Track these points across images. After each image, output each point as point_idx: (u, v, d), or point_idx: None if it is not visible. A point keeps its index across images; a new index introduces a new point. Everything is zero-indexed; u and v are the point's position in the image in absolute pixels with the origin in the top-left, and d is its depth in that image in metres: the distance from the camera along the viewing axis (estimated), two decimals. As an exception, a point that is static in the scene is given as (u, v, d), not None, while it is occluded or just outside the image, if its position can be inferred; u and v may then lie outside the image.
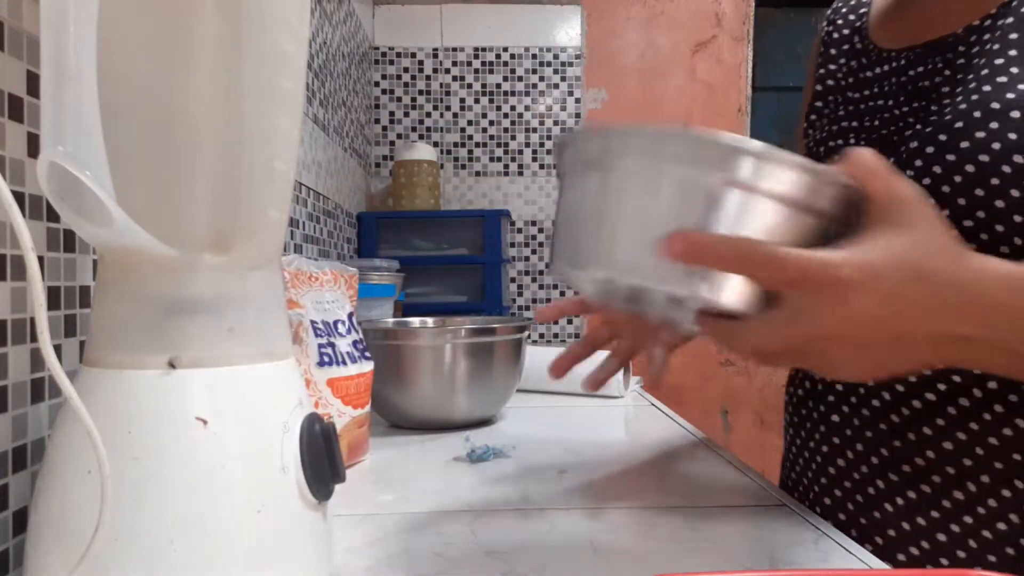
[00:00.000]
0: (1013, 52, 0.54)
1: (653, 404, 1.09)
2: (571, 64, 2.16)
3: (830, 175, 0.41)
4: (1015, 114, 0.52)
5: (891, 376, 0.44)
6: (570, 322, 2.15)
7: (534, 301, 2.15)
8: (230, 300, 0.39)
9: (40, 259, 0.49)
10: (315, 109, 1.37)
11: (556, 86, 2.15)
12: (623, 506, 0.61)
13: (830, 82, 0.72)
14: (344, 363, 0.72)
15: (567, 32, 2.16)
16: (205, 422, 0.36)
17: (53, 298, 0.51)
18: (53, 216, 0.50)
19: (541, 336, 2.16)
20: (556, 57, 2.16)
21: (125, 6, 0.36)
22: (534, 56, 2.15)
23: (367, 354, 0.77)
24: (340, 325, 0.74)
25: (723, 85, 2.20)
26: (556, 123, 2.15)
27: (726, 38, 2.20)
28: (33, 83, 0.49)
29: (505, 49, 2.15)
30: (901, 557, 0.58)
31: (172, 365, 0.37)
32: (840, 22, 0.74)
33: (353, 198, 1.80)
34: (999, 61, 0.55)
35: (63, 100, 0.33)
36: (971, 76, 0.56)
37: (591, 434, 0.89)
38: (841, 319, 0.39)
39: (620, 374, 1.12)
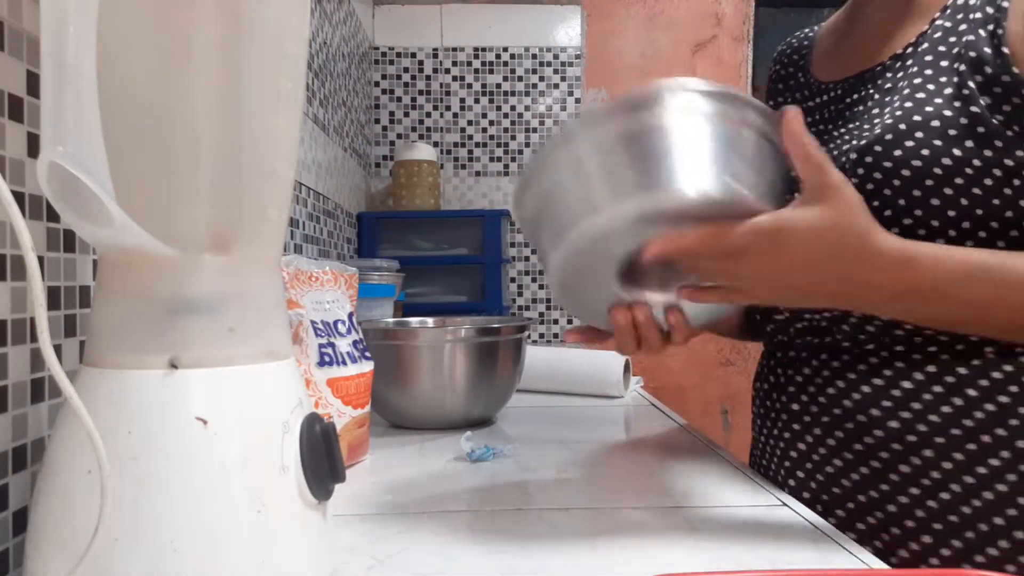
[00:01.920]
0: (929, 71, 0.62)
1: (653, 404, 1.09)
2: (571, 64, 2.16)
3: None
4: (935, 123, 0.59)
5: (794, 305, 0.61)
6: (570, 322, 2.14)
7: (534, 301, 2.15)
8: (230, 300, 0.39)
9: (40, 259, 0.49)
10: (315, 109, 1.37)
11: (556, 86, 2.15)
12: (623, 506, 0.61)
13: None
14: (344, 363, 0.72)
15: (567, 32, 2.16)
16: (205, 422, 0.36)
17: (53, 298, 0.51)
18: (53, 216, 0.50)
19: (541, 336, 2.17)
20: (556, 57, 2.16)
21: (125, 6, 0.36)
22: (534, 56, 2.15)
23: (367, 354, 0.77)
24: (340, 325, 0.74)
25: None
26: (556, 123, 2.15)
27: (726, 38, 2.20)
28: (33, 83, 0.49)
29: (505, 49, 2.15)
30: (860, 526, 0.64)
31: (174, 365, 0.37)
32: (786, 61, 0.85)
33: (353, 198, 1.80)
34: (917, 81, 0.62)
35: (63, 100, 0.33)
36: (895, 96, 0.64)
37: (591, 434, 0.89)
38: (765, 268, 0.52)
39: (620, 374, 1.12)
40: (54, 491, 0.36)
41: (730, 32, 2.20)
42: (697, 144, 0.50)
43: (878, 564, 0.49)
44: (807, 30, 0.86)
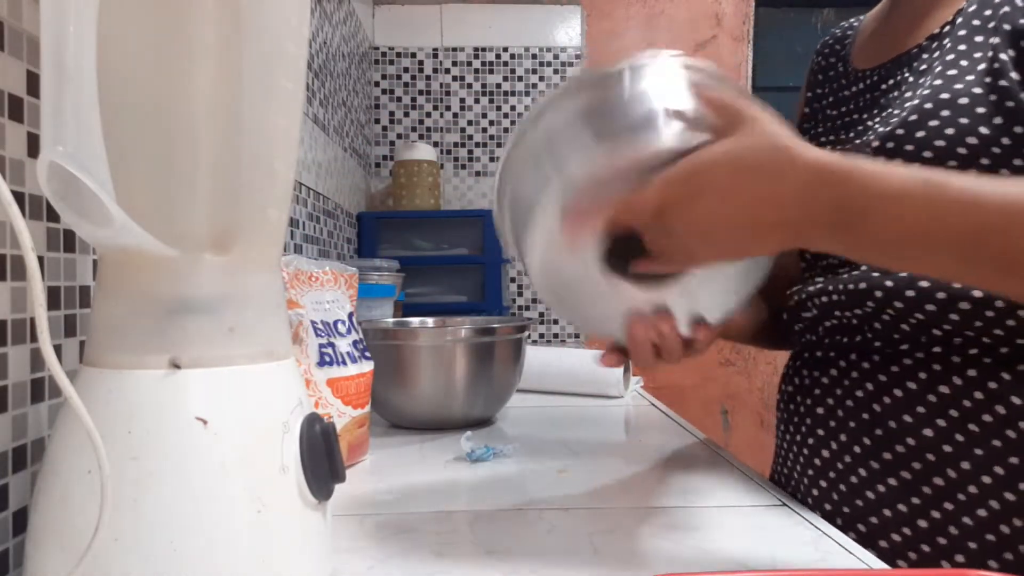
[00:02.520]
0: (963, 47, 0.59)
1: (653, 404, 1.09)
2: (571, 64, 2.16)
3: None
4: (963, 100, 0.56)
5: (742, 258, 0.52)
6: (570, 322, 2.14)
7: (534, 301, 2.15)
8: (230, 300, 0.39)
9: (40, 259, 0.49)
10: (315, 109, 1.37)
11: (556, 86, 2.15)
12: (623, 506, 0.61)
13: (815, 105, 0.78)
14: (344, 363, 0.72)
15: (567, 32, 2.16)
16: (205, 422, 0.36)
17: (53, 298, 0.51)
18: (53, 216, 0.50)
19: (541, 336, 2.16)
20: (556, 57, 2.16)
21: (125, 6, 0.36)
22: (534, 56, 2.15)
23: (367, 354, 0.77)
24: (340, 325, 0.74)
25: (723, 85, 2.20)
26: (556, 123, 2.15)
27: (726, 38, 2.20)
28: (33, 83, 0.49)
29: (505, 49, 2.15)
30: (883, 544, 0.59)
31: (176, 365, 0.37)
32: (827, 51, 0.81)
33: (353, 198, 1.80)
34: (950, 58, 0.59)
35: (63, 100, 0.33)
36: (926, 76, 0.61)
37: (591, 434, 0.89)
38: (690, 213, 0.47)
39: (620, 374, 1.12)
40: (54, 491, 0.36)
41: (730, 32, 2.20)
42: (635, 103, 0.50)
43: (878, 564, 0.49)
44: (853, 20, 0.81)
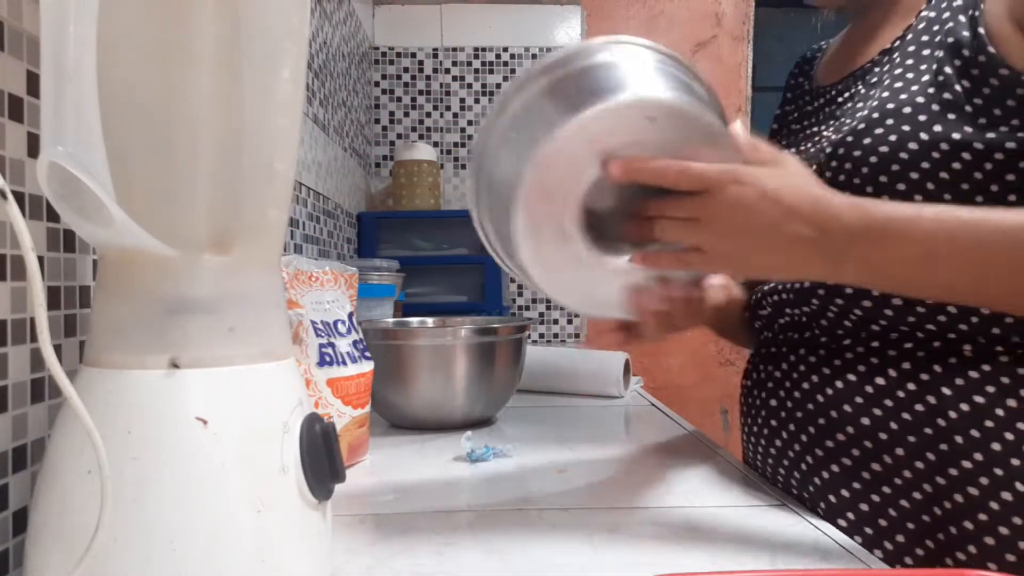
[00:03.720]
0: (910, 61, 0.62)
1: (653, 404, 1.09)
2: (571, 64, 2.16)
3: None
4: (907, 109, 0.59)
5: (756, 272, 0.59)
6: (570, 322, 2.14)
7: (534, 301, 2.15)
8: (230, 300, 0.39)
9: (40, 259, 0.49)
10: (315, 109, 1.37)
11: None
12: (623, 506, 0.61)
13: (783, 120, 0.84)
14: (344, 363, 0.72)
15: (567, 32, 2.15)
16: (205, 422, 0.36)
17: (53, 298, 0.51)
18: (53, 216, 0.50)
19: (541, 336, 2.16)
20: (556, 57, 2.15)
21: (125, 6, 0.36)
22: (534, 56, 2.15)
23: (367, 354, 0.77)
24: (340, 325, 0.74)
25: (723, 85, 2.20)
26: (556, 123, 2.15)
27: (726, 38, 2.20)
28: (33, 83, 0.49)
29: (505, 49, 2.15)
30: (842, 523, 0.62)
31: (175, 365, 0.37)
32: (797, 71, 0.85)
33: (353, 198, 1.80)
34: (898, 71, 0.63)
35: (63, 100, 0.33)
36: (876, 88, 0.65)
37: (591, 434, 0.89)
38: (731, 225, 0.51)
39: (620, 374, 1.12)
40: (54, 491, 0.36)
41: (730, 32, 2.20)
42: (643, 70, 0.51)
43: (878, 564, 0.49)
44: (822, 43, 0.86)
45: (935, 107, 0.58)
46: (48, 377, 0.50)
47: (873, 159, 0.60)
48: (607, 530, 0.55)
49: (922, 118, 0.58)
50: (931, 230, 0.50)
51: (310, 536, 0.40)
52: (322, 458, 0.40)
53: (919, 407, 0.59)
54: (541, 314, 2.16)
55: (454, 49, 2.14)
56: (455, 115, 2.15)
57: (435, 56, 2.14)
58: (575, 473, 0.71)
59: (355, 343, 0.75)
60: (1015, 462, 0.55)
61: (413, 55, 2.14)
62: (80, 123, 0.33)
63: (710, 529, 0.55)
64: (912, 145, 0.58)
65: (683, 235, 0.52)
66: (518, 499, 0.63)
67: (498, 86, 2.14)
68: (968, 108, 0.57)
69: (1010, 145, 0.56)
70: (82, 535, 0.34)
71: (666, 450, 0.81)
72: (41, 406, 0.50)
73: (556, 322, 2.16)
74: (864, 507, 0.61)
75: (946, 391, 0.58)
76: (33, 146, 0.49)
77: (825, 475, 0.64)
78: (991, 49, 0.56)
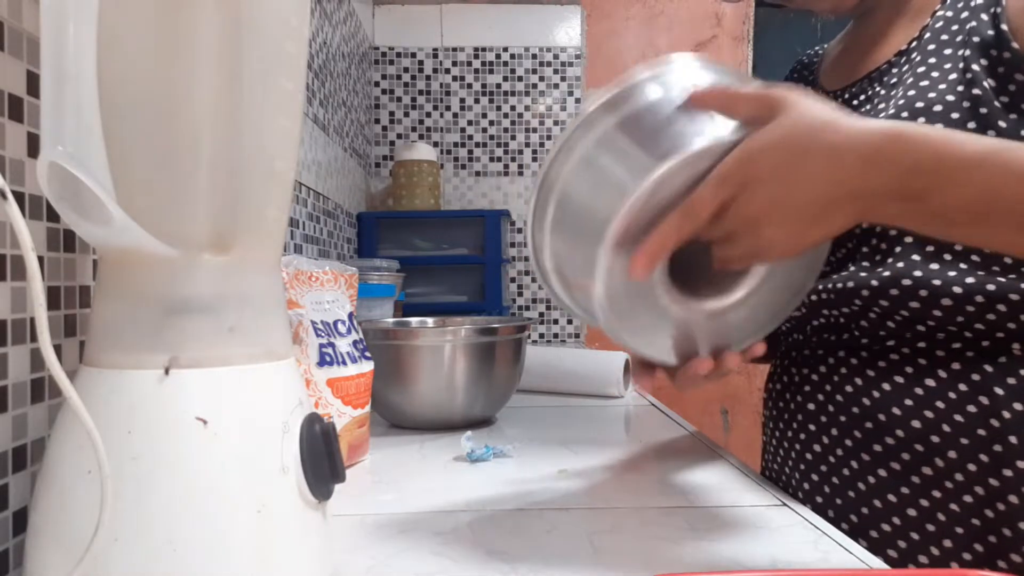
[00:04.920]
0: (933, 59, 0.61)
1: (653, 404, 1.09)
2: (571, 64, 2.16)
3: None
4: (937, 108, 0.58)
5: (815, 242, 0.49)
6: (570, 322, 2.14)
7: (534, 301, 2.15)
8: (230, 300, 0.39)
9: (40, 259, 0.49)
10: (315, 109, 1.37)
11: (556, 86, 2.15)
12: (623, 506, 0.61)
13: None
14: (344, 363, 0.72)
15: (567, 32, 2.15)
16: (205, 422, 0.36)
17: (53, 298, 0.51)
18: (53, 216, 0.50)
19: (541, 336, 2.16)
20: (556, 57, 2.15)
21: (125, 6, 0.36)
22: (534, 56, 2.15)
23: (367, 354, 0.77)
24: (340, 325, 0.74)
25: (723, 85, 2.20)
26: (556, 123, 2.15)
27: (726, 38, 2.20)
28: (33, 83, 0.49)
29: (505, 49, 2.15)
30: (874, 534, 0.61)
31: (166, 371, 0.37)
32: (796, 76, 0.84)
33: (353, 198, 1.80)
34: (921, 70, 0.62)
35: (63, 100, 0.33)
36: (899, 88, 0.63)
37: (591, 434, 0.89)
38: (750, 204, 0.47)
39: (620, 374, 1.12)
40: (54, 491, 0.36)
41: (730, 32, 2.20)
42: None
43: (878, 564, 0.49)
44: (817, 48, 0.85)
45: (966, 103, 0.57)
46: (48, 377, 0.50)
47: None
48: (607, 530, 0.55)
49: (955, 116, 0.57)
50: (986, 182, 0.45)
51: (310, 536, 0.40)
52: (322, 458, 0.40)
53: (971, 408, 0.57)
54: (541, 314, 2.16)
55: (454, 49, 2.14)
56: (455, 115, 2.15)
57: (435, 56, 2.14)
58: (575, 473, 0.71)
59: (355, 343, 0.75)
60: None
61: (413, 55, 2.14)
62: (80, 123, 0.33)
63: (710, 529, 0.55)
64: None
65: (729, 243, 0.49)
66: (518, 499, 0.63)
67: (498, 86, 2.15)
68: (998, 104, 0.56)
69: None
70: (82, 535, 0.34)
71: (666, 450, 0.81)
72: (41, 406, 0.50)
73: (556, 322, 2.16)
74: (912, 512, 0.60)
75: (999, 391, 0.57)
76: (33, 146, 0.49)
77: (871, 480, 0.62)
78: (1015, 45, 0.56)
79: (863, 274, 0.63)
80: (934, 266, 0.59)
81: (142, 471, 0.35)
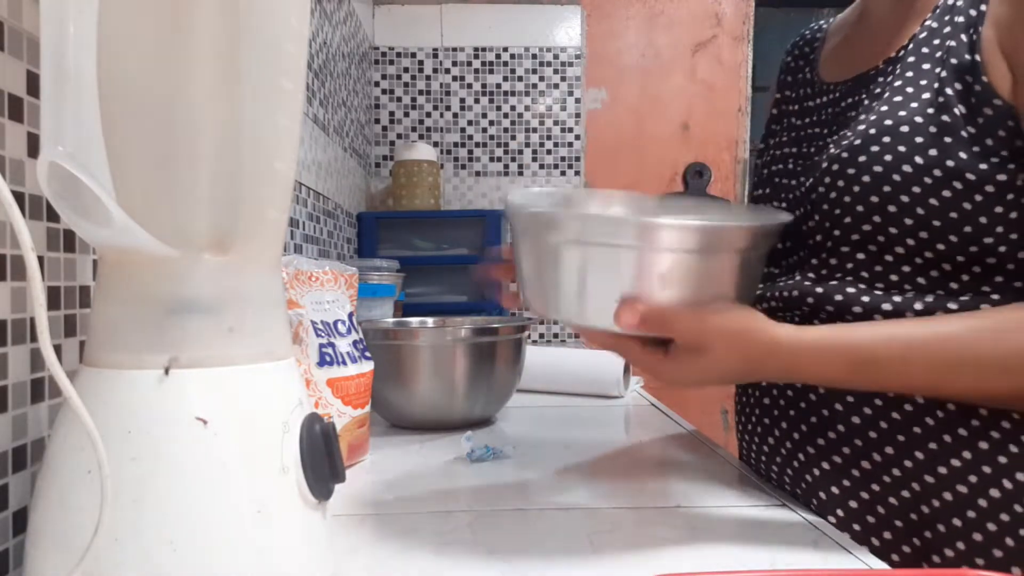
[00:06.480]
0: (910, 74, 0.62)
1: (653, 404, 1.09)
2: (571, 64, 2.16)
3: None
4: (904, 129, 0.59)
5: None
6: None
7: (534, 301, 2.15)
8: (230, 300, 0.39)
9: (40, 259, 0.49)
10: (315, 109, 1.37)
11: (556, 86, 2.15)
12: (623, 506, 0.61)
13: (783, 107, 0.82)
14: (344, 363, 0.72)
15: (567, 32, 2.15)
16: (205, 422, 0.36)
17: (53, 298, 0.51)
18: (53, 216, 0.50)
19: (541, 336, 2.16)
20: (556, 57, 2.15)
21: (125, 6, 0.36)
22: (534, 56, 2.15)
23: (367, 354, 0.77)
24: (340, 325, 0.74)
25: (723, 85, 2.20)
26: (556, 123, 2.15)
27: (726, 38, 2.20)
28: (33, 83, 0.49)
29: (505, 49, 2.15)
30: (831, 520, 0.63)
31: (166, 371, 0.37)
32: (796, 52, 0.84)
33: (353, 198, 1.80)
34: (898, 84, 0.62)
35: (63, 100, 0.33)
36: (876, 101, 0.64)
37: (591, 434, 0.89)
38: (700, 368, 0.55)
39: (620, 374, 1.12)
40: (54, 491, 0.36)
41: (730, 32, 2.20)
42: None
43: (878, 564, 0.49)
44: (821, 22, 0.84)
45: (932, 129, 0.58)
46: (48, 377, 0.50)
47: (866, 178, 0.59)
48: (607, 530, 0.55)
49: (919, 140, 0.58)
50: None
51: (310, 536, 0.40)
52: (322, 458, 0.40)
53: (908, 407, 0.60)
54: (541, 314, 2.15)
55: (454, 49, 2.14)
56: (455, 115, 2.15)
57: (435, 56, 2.14)
58: (575, 473, 0.71)
59: (355, 343, 0.75)
60: (1002, 459, 0.56)
61: (413, 55, 2.14)
62: (80, 123, 0.33)
63: (710, 529, 0.55)
64: (906, 168, 0.58)
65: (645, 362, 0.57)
66: (518, 499, 0.63)
67: (498, 86, 2.15)
68: (964, 134, 0.57)
69: (1000, 177, 0.56)
70: (82, 535, 0.34)
71: (666, 450, 0.81)
72: (41, 406, 0.50)
73: (556, 322, 2.16)
74: (853, 504, 0.62)
75: None
76: (33, 146, 0.49)
77: (816, 472, 0.65)
78: (985, 79, 0.56)
79: (807, 283, 0.65)
80: (877, 292, 0.61)
81: (142, 471, 0.35)
